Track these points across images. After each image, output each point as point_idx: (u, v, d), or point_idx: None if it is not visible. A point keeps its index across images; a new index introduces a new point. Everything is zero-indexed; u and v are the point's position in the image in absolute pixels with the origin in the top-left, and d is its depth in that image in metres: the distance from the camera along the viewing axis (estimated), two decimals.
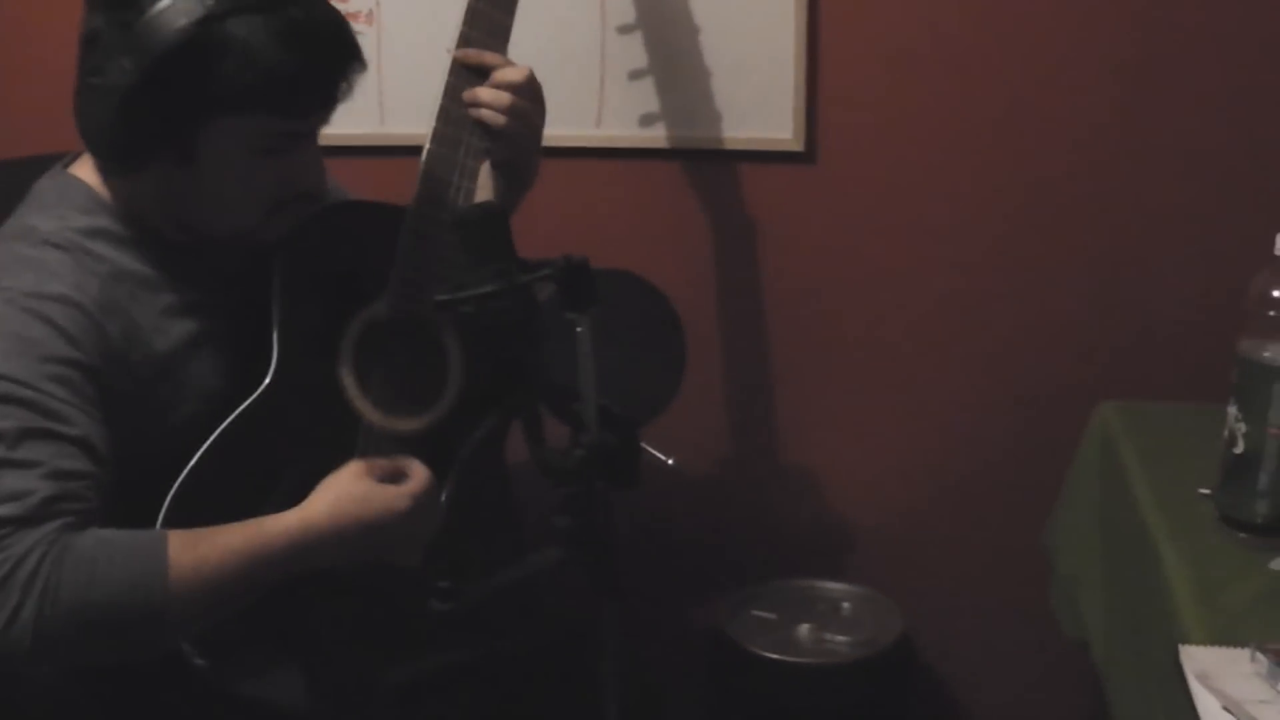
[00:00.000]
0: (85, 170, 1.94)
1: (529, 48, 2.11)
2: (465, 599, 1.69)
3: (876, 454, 2.78)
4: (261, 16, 1.77)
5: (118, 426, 1.80)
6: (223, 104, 1.80)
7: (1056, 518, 2.48)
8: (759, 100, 2.61)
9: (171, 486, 1.85)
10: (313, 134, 1.93)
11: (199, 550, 1.73)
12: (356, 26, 2.55)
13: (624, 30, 2.59)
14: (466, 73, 2.05)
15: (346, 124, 1.96)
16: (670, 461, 1.77)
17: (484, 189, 2.09)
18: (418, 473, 1.88)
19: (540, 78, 2.08)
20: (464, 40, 2.06)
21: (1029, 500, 2.63)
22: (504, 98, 2.03)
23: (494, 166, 2.09)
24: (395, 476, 1.87)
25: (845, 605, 2.70)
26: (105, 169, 1.91)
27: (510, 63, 2.06)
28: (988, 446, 2.74)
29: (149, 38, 1.75)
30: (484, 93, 2.04)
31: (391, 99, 2.66)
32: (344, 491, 1.83)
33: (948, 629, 2.82)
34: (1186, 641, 1.68)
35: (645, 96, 2.63)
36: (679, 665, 2.62)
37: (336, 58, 1.86)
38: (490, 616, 1.99)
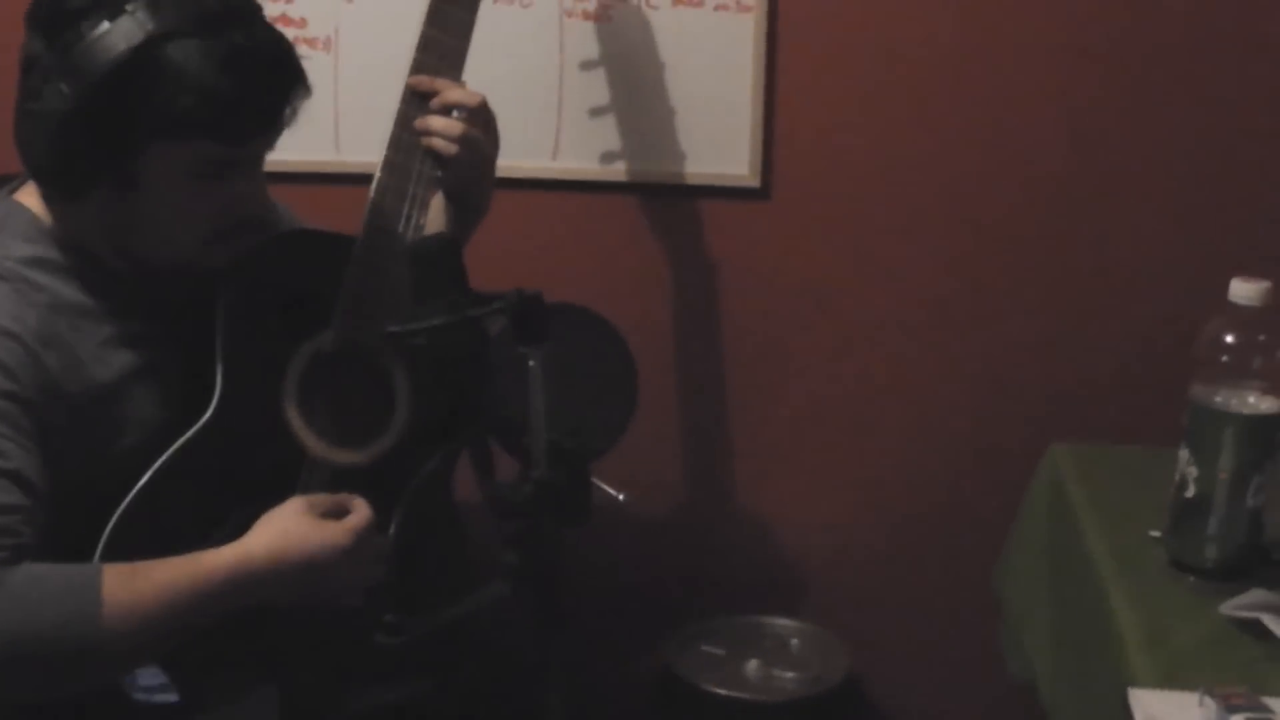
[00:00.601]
0: (30, 196, 1.91)
1: (487, 79, 2.10)
2: (411, 634, 1.68)
3: (827, 491, 2.78)
4: (201, 41, 1.76)
5: (56, 459, 1.78)
6: (161, 129, 1.78)
7: (1006, 559, 2.48)
8: (716, 137, 2.61)
9: (109, 519, 1.83)
10: (255, 160, 1.91)
11: (134, 585, 1.70)
12: (314, 53, 2.56)
13: (584, 66, 2.59)
14: (419, 100, 2.04)
15: (302, 151, 1.95)
16: (621, 498, 1.76)
17: (435, 219, 2.07)
18: (359, 509, 1.85)
19: (497, 109, 2.07)
20: (417, 67, 2.05)
21: (979, 541, 2.63)
22: (455, 125, 2.01)
23: (445, 196, 2.08)
24: (337, 512, 1.85)
25: (793, 642, 2.69)
26: (47, 195, 1.89)
27: (463, 88, 2.05)
28: (939, 486, 2.74)
29: (87, 62, 1.74)
30: (435, 120, 2.02)
31: (348, 126, 2.64)
32: (284, 527, 1.80)
33: (895, 668, 2.81)
34: (1135, 684, 1.68)
35: (603, 131, 2.62)
36: (626, 700, 2.61)
37: (277, 82, 1.84)
38: (440, 648, 1.98)
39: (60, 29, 1.75)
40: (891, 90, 2.59)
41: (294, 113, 1.87)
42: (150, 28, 1.73)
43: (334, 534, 1.81)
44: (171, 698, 1.87)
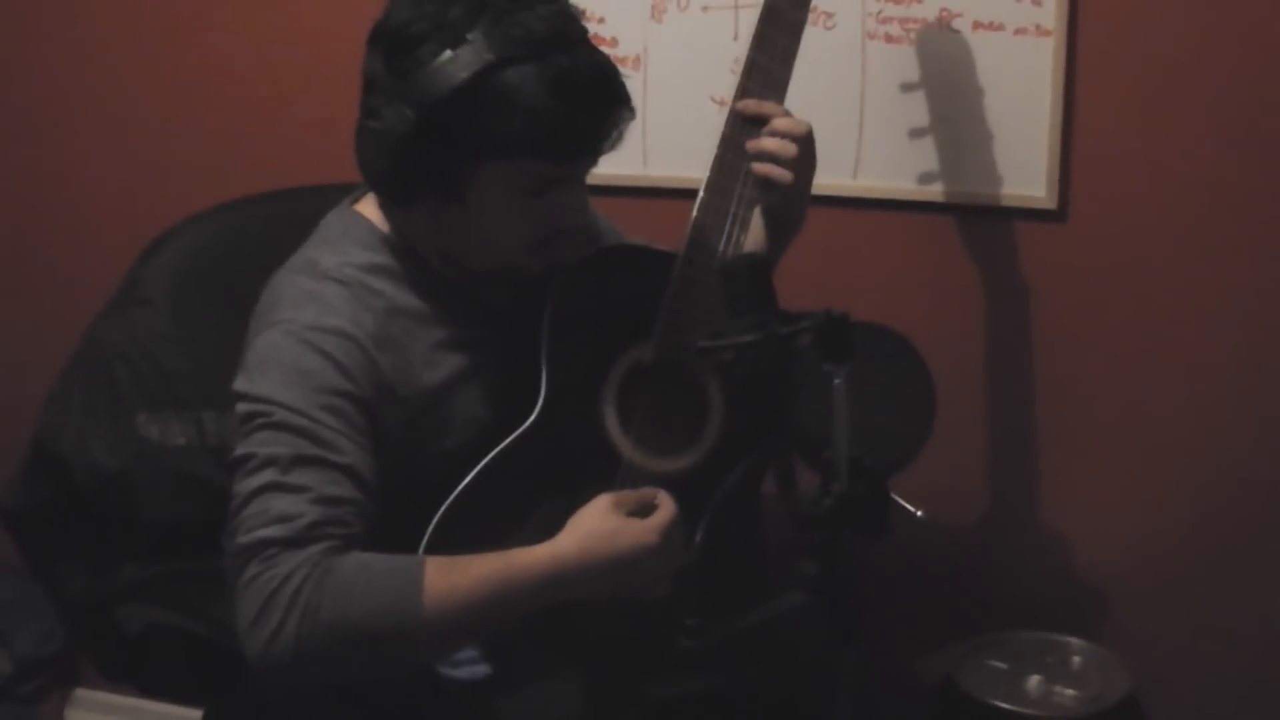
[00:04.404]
0: (369, 207, 2.02)
1: (792, 96, 2.14)
2: (711, 638, 1.74)
3: (1120, 513, 2.75)
4: (535, 66, 1.82)
5: (385, 456, 1.88)
6: (491, 150, 1.85)
7: None
8: (1013, 159, 2.60)
9: (433, 514, 1.92)
10: (578, 177, 1.97)
11: (452, 578, 1.78)
12: (624, 71, 2.63)
13: (886, 87, 2.62)
14: (744, 124, 2.07)
15: (611, 165, 2.01)
16: (919, 514, 1.79)
17: (752, 236, 2.12)
18: (665, 504, 1.89)
19: None
20: (742, 92, 2.09)
21: (1269, 565, 2.59)
22: (789, 148, 2.05)
23: (763, 214, 2.12)
24: (643, 509, 1.89)
25: (1075, 659, 2.68)
26: (382, 203, 1.99)
27: (790, 114, 2.09)
28: (1237, 511, 2.68)
29: (429, 88, 1.82)
30: (769, 142, 2.05)
31: (655, 142, 2.71)
32: (593, 527, 1.85)
33: (1178, 692, 2.77)
34: None
35: (901, 149, 2.64)
36: (906, 709, 2.63)
37: (603, 106, 1.89)
38: (735, 649, 2.03)
39: (402, 53, 1.85)
40: (1196, 108, 2.54)
41: (620, 135, 1.93)
42: (488, 56, 1.81)
43: (642, 532, 1.85)
44: (478, 670, 1.96)
